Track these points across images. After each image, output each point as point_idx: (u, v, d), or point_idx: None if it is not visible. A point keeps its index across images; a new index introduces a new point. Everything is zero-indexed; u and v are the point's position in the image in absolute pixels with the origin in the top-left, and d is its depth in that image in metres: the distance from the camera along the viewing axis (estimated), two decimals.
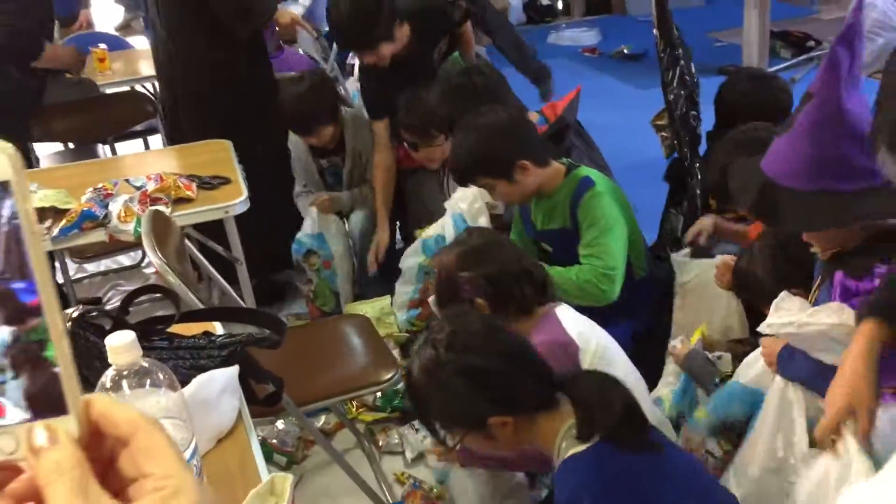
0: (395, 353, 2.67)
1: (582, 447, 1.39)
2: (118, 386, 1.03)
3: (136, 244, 2.98)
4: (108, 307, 1.50)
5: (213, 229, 2.60)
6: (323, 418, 2.63)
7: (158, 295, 1.67)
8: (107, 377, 1.03)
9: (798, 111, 1.40)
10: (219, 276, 2.38)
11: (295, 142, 3.22)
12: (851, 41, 1.32)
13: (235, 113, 3.06)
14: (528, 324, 1.97)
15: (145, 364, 1.04)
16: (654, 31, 2.78)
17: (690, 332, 2.19)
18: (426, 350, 1.55)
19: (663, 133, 2.86)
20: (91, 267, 3.86)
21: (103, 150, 4.14)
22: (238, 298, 2.41)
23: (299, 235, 3.17)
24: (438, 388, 1.53)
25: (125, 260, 3.89)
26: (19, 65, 2.98)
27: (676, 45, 2.77)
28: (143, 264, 3.86)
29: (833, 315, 1.46)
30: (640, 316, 2.39)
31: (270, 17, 3.17)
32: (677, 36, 2.79)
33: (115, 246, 3.02)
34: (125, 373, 1.03)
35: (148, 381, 1.04)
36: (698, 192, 2.65)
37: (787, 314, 1.56)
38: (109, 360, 1.02)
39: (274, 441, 2.49)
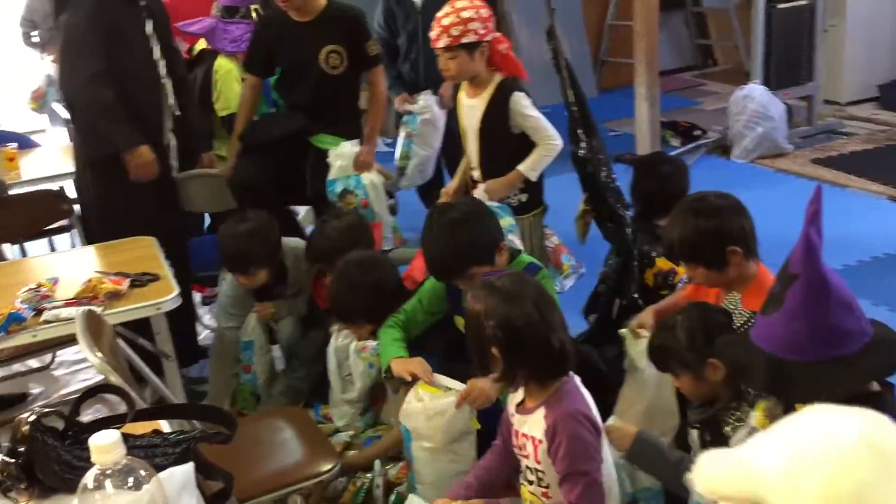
0: None
1: None
2: (101, 485, 1.04)
3: (47, 347, 2.95)
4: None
5: (133, 326, 2.59)
6: None
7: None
8: (89, 477, 1.04)
9: (782, 289, 1.51)
10: (152, 374, 2.36)
11: (234, 297, 3.17)
12: (818, 224, 1.48)
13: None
14: (541, 395, 1.92)
15: (128, 461, 1.05)
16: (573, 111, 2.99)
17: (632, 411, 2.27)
18: None
19: (586, 219, 3.03)
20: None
21: (10, 250, 4.05)
22: (171, 396, 2.39)
23: None
24: None
25: (34, 362, 3.77)
26: None
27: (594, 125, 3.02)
28: (51, 367, 3.75)
29: None
30: None
31: None
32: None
33: (27, 349, 2.94)
34: (109, 471, 1.04)
35: (131, 479, 1.05)
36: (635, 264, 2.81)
37: None
38: (93, 460, 1.03)
39: None
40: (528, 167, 3.05)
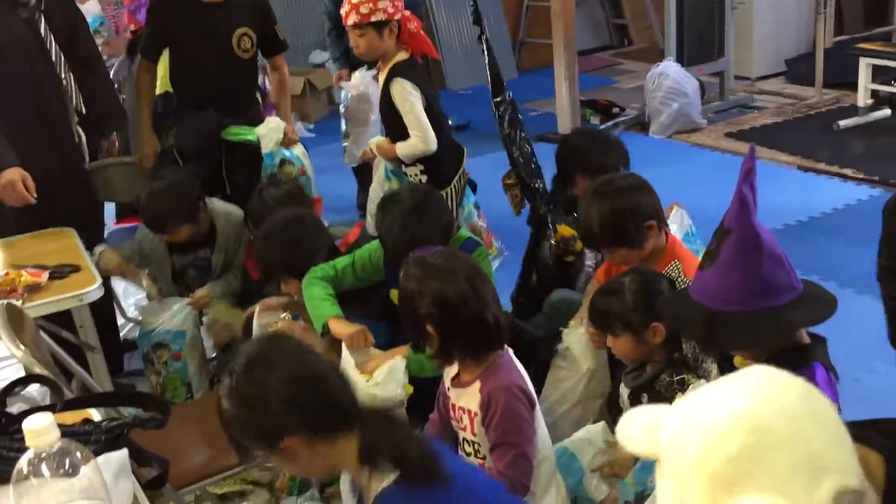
0: None
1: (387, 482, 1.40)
2: (38, 470, 1.02)
3: None
4: None
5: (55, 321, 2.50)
6: None
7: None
8: (23, 462, 1.02)
9: (717, 245, 1.58)
10: (77, 366, 2.30)
11: (150, 239, 3.11)
12: (752, 181, 1.54)
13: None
14: (476, 369, 1.95)
15: (63, 444, 1.04)
16: (494, 98, 3.01)
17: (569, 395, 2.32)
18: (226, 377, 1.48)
19: (514, 191, 3.07)
20: None
21: None
22: (98, 388, 2.33)
23: (147, 329, 3.10)
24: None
25: None
26: None
27: (516, 107, 3.02)
28: None
29: None
30: None
31: None
32: (511, 98, 3.05)
33: None
34: (44, 455, 1.02)
35: (67, 461, 1.04)
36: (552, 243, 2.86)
37: None
38: (27, 444, 1.01)
39: None
40: (400, 148, 3.08)
